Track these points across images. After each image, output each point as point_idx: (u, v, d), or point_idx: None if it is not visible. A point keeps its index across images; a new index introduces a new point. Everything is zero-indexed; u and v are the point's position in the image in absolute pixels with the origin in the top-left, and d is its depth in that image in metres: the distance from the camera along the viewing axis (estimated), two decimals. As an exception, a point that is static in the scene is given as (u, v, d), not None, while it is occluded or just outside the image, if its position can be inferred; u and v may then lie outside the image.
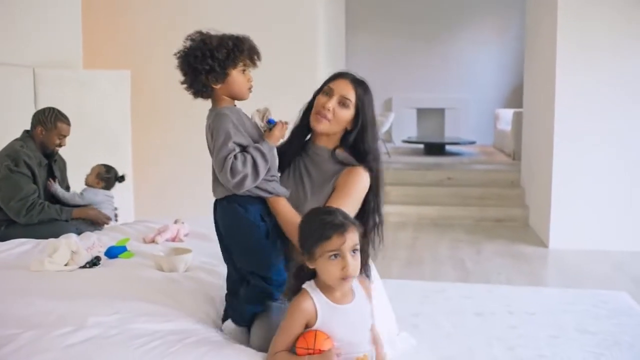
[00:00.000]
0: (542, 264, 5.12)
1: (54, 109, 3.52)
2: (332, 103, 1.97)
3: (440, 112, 10.91)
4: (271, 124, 1.93)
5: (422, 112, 10.79)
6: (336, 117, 1.97)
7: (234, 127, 1.85)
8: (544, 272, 4.97)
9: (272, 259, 1.90)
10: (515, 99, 10.49)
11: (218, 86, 1.89)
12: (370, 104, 2.03)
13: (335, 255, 1.61)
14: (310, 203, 1.95)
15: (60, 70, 4.87)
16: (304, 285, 1.66)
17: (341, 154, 2.03)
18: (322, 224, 1.63)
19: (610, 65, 5.28)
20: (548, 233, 5.53)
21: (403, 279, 4.53)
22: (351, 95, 1.98)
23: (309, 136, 2.13)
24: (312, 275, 1.68)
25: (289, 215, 1.91)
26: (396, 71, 10.39)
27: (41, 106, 4.11)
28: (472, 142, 9.56)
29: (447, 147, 9.54)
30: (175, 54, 1.92)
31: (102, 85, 4.97)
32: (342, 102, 1.98)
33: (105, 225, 3.59)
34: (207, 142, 1.93)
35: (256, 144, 1.87)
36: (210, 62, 1.85)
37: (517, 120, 8.00)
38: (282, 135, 1.94)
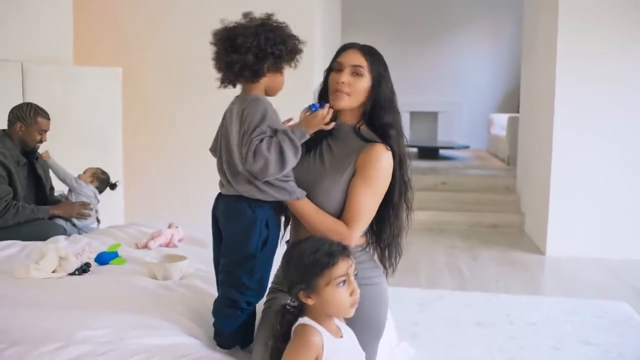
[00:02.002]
0: (540, 271, 5.05)
1: (31, 104, 3.37)
2: (346, 76, 1.86)
3: (433, 115, 10.83)
4: (313, 110, 1.80)
5: (415, 115, 10.70)
6: (354, 89, 1.86)
7: (272, 112, 1.76)
8: (541, 280, 4.90)
9: (257, 267, 1.78)
10: (508, 103, 10.44)
11: (268, 75, 1.79)
12: (383, 69, 1.90)
13: (344, 282, 1.52)
14: (329, 179, 1.82)
15: (49, 66, 4.73)
16: (303, 321, 1.55)
17: (365, 130, 1.90)
18: (324, 251, 1.52)
19: (612, 71, 5.22)
20: (545, 240, 5.45)
21: (399, 286, 4.43)
22: (362, 61, 1.87)
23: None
24: (297, 315, 1.57)
25: (314, 216, 1.80)
26: (389, 73, 10.26)
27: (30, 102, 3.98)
28: (467, 147, 9.50)
29: (441, 151, 9.47)
30: (239, 25, 1.80)
31: (93, 82, 4.83)
32: (355, 72, 1.86)
33: (91, 225, 3.47)
34: (227, 129, 1.82)
35: (285, 129, 1.75)
36: (281, 48, 1.76)
37: (513, 125, 7.94)
38: (321, 122, 1.79)
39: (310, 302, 1.52)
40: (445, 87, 10.66)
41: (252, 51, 1.74)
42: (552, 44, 5.37)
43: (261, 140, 1.69)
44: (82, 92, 4.76)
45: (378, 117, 1.88)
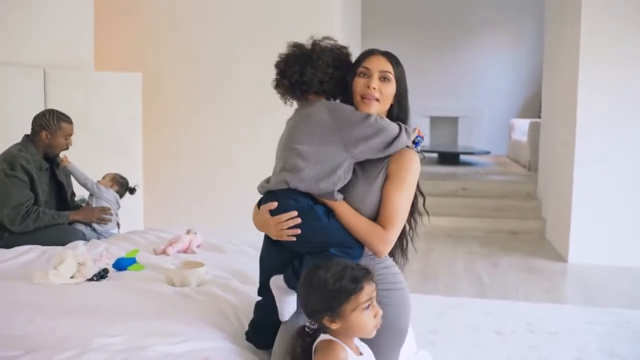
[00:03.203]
0: (561, 279, 4.97)
1: (53, 110, 3.40)
2: (375, 82, 1.88)
3: (454, 120, 10.77)
4: (416, 147, 1.96)
5: (435, 120, 10.65)
6: (383, 94, 1.90)
7: None
8: (563, 288, 4.82)
9: (341, 235, 1.80)
10: (530, 108, 10.33)
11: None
12: (404, 73, 1.97)
13: (368, 305, 1.55)
14: (362, 186, 1.86)
15: (71, 72, 4.77)
16: (327, 337, 1.56)
17: None
18: (349, 277, 1.54)
19: (635, 76, 5.14)
20: (567, 247, 5.37)
21: (418, 292, 4.40)
22: (389, 67, 1.91)
23: None
24: (316, 335, 1.59)
25: (353, 217, 1.83)
26: (410, 78, 9.87)
27: (51, 107, 4.01)
28: (487, 152, 9.42)
29: (461, 157, 9.40)
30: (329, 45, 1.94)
31: (113, 87, 4.87)
32: (384, 77, 1.90)
33: (111, 230, 3.48)
34: (300, 130, 1.87)
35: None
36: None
37: (534, 130, 7.85)
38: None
39: (334, 326, 1.54)
40: (466, 92, 10.59)
41: (340, 70, 1.93)
42: (575, 49, 5.30)
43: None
44: (103, 98, 4.80)
45: (403, 120, 1.94)
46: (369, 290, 1.55)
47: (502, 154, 10.25)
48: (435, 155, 9.43)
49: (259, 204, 1.89)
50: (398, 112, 1.95)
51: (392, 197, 1.84)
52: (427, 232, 6.43)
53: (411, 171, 1.88)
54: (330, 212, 1.82)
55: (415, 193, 1.95)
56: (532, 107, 10.25)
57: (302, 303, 1.61)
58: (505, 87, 10.58)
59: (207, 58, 5.55)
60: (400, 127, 1.87)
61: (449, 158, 9.19)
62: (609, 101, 5.18)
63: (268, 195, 1.86)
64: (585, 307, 4.14)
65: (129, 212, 4.19)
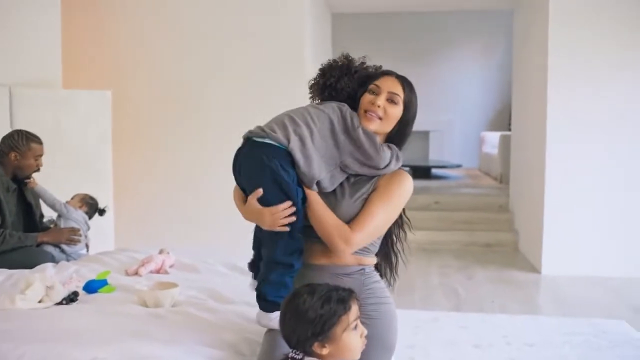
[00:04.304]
0: (536, 290, 5.00)
1: (21, 131, 3.33)
2: (381, 100, 1.89)
3: (425, 134, 10.84)
4: None
5: (406, 134, 10.69)
6: (387, 115, 1.89)
7: None
8: (538, 299, 4.84)
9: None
10: (500, 121, 10.46)
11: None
12: (415, 102, 1.97)
13: (356, 326, 1.54)
14: (347, 201, 1.85)
15: (38, 90, 4.67)
16: None
17: None
18: (335, 299, 1.52)
19: (604, 85, 5.23)
20: (540, 258, 5.41)
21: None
22: (399, 90, 1.91)
23: None
24: None
25: (323, 210, 1.82)
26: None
27: (18, 127, 3.91)
28: (459, 166, 9.48)
29: (433, 171, 9.45)
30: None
31: (82, 105, 4.77)
32: (391, 99, 1.90)
33: (80, 251, 3.40)
34: (309, 112, 1.88)
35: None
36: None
37: (505, 143, 7.93)
38: None
39: (325, 351, 1.51)
40: (437, 106, 10.67)
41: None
42: (543, 62, 5.37)
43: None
44: (72, 116, 4.70)
45: (397, 143, 1.95)
46: (355, 309, 1.54)
47: (474, 167, 10.33)
48: (407, 169, 9.45)
49: (244, 145, 1.85)
50: (396, 136, 1.95)
51: (372, 205, 1.84)
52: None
53: (399, 189, 1.88)
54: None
55: (401, 213, 1.96)
56: (503, 120, 10.38)
57: (286, 335, 1.55)
58: (475, 101, 10.70)
59: (177, 76, 5.49)
60: (391, 154, 1.88)
61: (421, 172, 9.23)
62: (578, 111, 5.25)
63: (256, 149, 1.80)
64: (561, 318, 4.16)
65: (100, 233, 4.10)
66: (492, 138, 9.18)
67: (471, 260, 5.90)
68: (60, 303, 2.28)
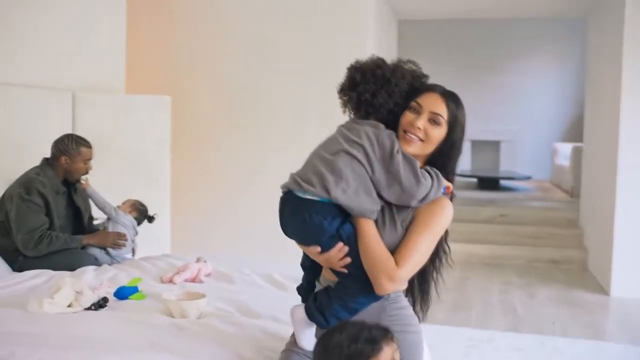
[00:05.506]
0: (603, 314, 4.68)
1: (71, 135, 3.42)
2: (422, 122, 1.72)
3: (496, 144, 10.51)
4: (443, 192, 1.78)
5: (476, 145, 10.41)
6: (428, 137, 1.73)
7: None
8: (604, 323, 4.53)
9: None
10: (574, 132, 10.00)
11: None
12: (462, 120, 1.79)
13: None
14: (389, 228, 1.72)
15: (99, 95, 4.79)
16: None
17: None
18: (365, 338, 1.43)
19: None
20: (610, 279, 5.08)
21: (448, 324, 4.21)
22: (442, 110, 1.74)
23: None
24: None
25: (375, 240, 1.69)
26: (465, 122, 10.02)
27: (79, 131, 4.01)
28: (528, 178, 9.13)
29: (502, 182, 9.14)
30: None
31: (142, 110, 4.85)
32: (433, 119, 1.73)
33: (125, 254, 3.43)
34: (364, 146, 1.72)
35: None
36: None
37: (576, 155, 7.57)
38: None
39: None
40: (509, 116, 10.34)
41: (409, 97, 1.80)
42: (616, 70, 5.07)
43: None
44: (132, 121, 4.78)
45: (441, 164, 1.79)
46: (389, 351, 1.43)
47: (546, 179, 9.93)
48: (474, 180, 9.20)
49: (285, 197, 1.77)
50: (439, 158, 1.78)
51: (412, 237, 1.70)
52: (463, 260, 6.21)
53: (439, 218, 1.73)
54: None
55: (441, 238, 1.81)
56: (576, 131, 9.91)
57: None
58: (549, 111, 10.29)
59: (237, 81, 5.50)
60: (432, 182, 1.70)
61: (489, 183, 8.95)
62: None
63: (298, 206, 1.71)
64: (630, 346, 3.87)
65: (157, 237, 4.14)
66: (565, 149, 8.79)
67: (535, 278, 5.62)
68: (89, 308, 2.29)
